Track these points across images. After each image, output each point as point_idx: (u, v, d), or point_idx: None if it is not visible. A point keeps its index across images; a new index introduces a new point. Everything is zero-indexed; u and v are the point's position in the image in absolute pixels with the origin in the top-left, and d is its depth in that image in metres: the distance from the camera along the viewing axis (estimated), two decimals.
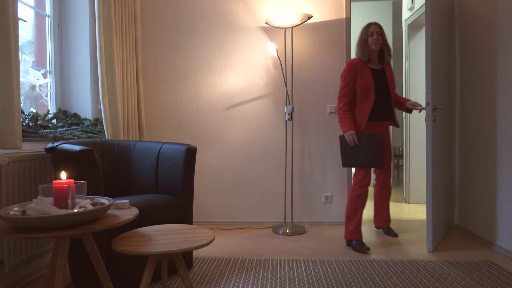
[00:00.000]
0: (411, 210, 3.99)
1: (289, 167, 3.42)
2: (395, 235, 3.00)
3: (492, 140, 2.74)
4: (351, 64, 2.72)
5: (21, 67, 2.26)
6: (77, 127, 2.61)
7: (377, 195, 3.04)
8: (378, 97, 2.72)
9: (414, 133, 4.20)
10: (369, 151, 2.63)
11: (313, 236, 3.02)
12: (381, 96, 2.73)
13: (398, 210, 3.98)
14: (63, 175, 1.47)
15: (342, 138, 2.70)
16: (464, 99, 3.17)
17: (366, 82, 2.69)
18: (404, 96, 4.29)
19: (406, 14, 4.46)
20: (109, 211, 1.57)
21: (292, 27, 3.19)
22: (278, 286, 2.05)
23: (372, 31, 2.73)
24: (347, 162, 2.70)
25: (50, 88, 2.77)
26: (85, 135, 2.57)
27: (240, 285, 2.06)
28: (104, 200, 1.53)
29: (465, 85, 3.14)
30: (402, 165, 6.29)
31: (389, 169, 2.94)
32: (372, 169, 3.66)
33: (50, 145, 2.05)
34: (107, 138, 2.73)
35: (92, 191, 1.84)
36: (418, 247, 2.73)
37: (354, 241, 2.67)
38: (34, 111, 2.36)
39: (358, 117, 2.70)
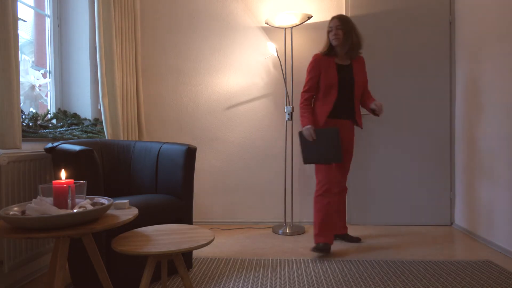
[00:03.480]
0: None
1: (289, 167, 3.42)
2: (357, 240, 2.85)
3: (491, 140, 2.74)
4: (315, 60, 2.63)
5: (21, 67, 2.26)
6: (77, 127, 2.61)
7: None
8: (341, 94, 2.60)
9: None
10: (328, 145, 2.52)
11: (313, 236, 3.02)
12: (344, 93, 2.61)
13: None
14: (63, 174, 1.47)
15: (301, 134, 2.58)
16: (464, 98, 3.17)
17: (330, 79, 2.58)
18: None
19: None
20: (109, 211, 1.57)
21: (292, 27, 3.19)
22: (278, 286, 2.05)
23: (332, 25, 2.60)
24: (307, 158, 2.58)
25: (50, 88, 2.77)
26: (85, 135, 2.57)
27: (240, 285, 2.06)
28: (104, 200, 1.53)
29: (465, 84, 3.14)
30: None
31: (347, 170, 2.79)
32: None
33: (50, 145, 2.05)
34: (107, 138, 2.73)
35: (92, 191, 1.84)
36: (416, 247, 2.73)
37: (322, 244, 2.53)
38: (34, 111, 2.36)
39: (319, 113, 2.61)
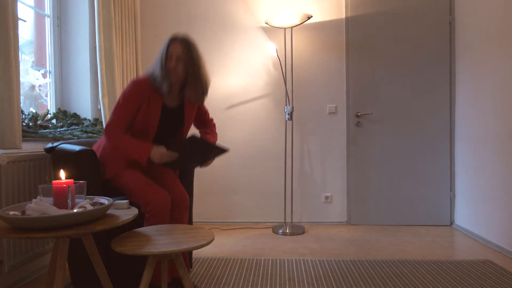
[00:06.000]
0: None
1: (288, 167, 3.42)
2: None
3: (491, 140, 2.74)
4: (139, 86, 1.86)
5: (21, 67, 2.26)
6: (76, 127, 2.61)
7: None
8: (158, 137, 1.98)
9: None
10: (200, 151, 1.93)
11: (312, 236, 3.02)
12: (162, 137, 2.00)
13: None
14: (63, 174, 1.46)
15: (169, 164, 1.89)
16: (464, 98, 3.17)
17: (149, 121, 1.90)
18: None
19: None
20: (109, 211, 1.57)
21: (292, 27, 3.18)
22: (278, 286, 2.05)
23: (172, 52, 1.86)
24: (192, 164, 2.00)
25: (50, 88, 2.77)
26: (85, 135, 2.56)
27: (240, 285, 2.06)
28: (104, 200, 1.53)
29: (465, 84, 3.14)
30: None
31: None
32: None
33: (49, 145, 2.05)
34: None
35: (92, 191, 1.84)
36: (416, 247, 2.73)
37: None
38: (34, 111, 2.36)
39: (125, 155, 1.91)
